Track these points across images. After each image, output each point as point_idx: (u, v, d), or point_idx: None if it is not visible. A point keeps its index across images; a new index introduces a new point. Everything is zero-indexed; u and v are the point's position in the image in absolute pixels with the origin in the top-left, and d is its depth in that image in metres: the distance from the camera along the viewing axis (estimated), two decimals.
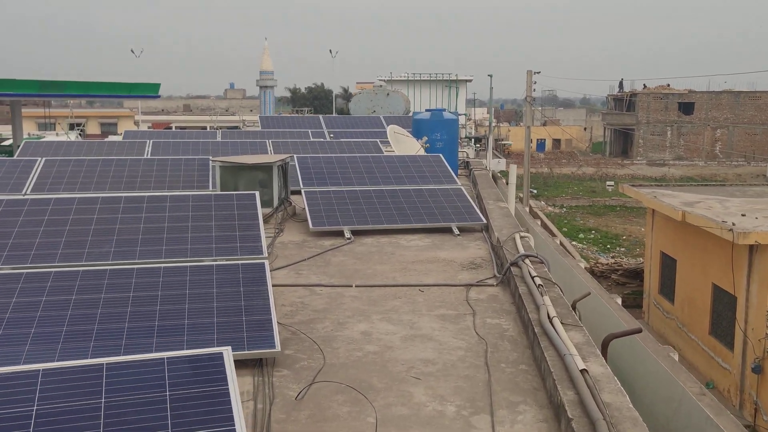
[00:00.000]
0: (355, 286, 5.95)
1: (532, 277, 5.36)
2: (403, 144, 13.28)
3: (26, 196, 8.18)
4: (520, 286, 5.34)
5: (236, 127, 36.43)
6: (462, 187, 9.25)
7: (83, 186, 8.47)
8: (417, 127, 14.06)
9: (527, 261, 5.91)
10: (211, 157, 9.21)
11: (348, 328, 4.91)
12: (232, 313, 4.31)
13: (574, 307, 7.28)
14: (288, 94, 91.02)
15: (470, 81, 32.04)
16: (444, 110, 14.48)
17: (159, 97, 43.14)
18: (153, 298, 4.39)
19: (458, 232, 8.16)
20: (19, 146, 12.93)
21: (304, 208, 8.47)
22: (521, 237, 7.07)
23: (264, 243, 5.06)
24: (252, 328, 4.20)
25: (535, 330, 4.38)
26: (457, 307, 5.40)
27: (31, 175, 8.58)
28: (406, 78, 31.17)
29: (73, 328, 4.07)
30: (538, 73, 26.57)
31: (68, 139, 32.51)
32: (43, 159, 9.03)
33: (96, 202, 5.39)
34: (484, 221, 8.36)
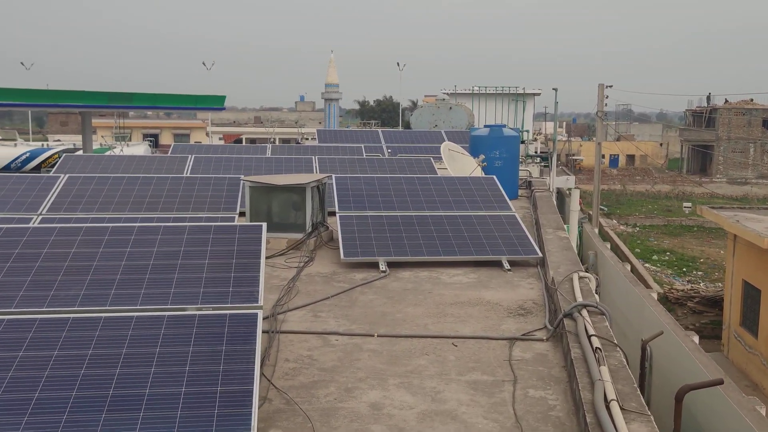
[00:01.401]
0: (377, 336, 5.06)
1: (589, 337, 4.36)
2: (458, 162, 12.34)
3: (42, 215, 7.64)
4: (574, 348, 4.34)
5: (295, 140, 36.14)
6: (516, 215, 8.24)
7: (102, 206, 7.86)
8: (474, 144, 13.10)
9: (584, 312, 4.90)
10: (242, 176, 8.50)
11: (356, 397, 4.02)
12: (206, 381, 3.48)
13: (644, 348, 6.19)
14: (356, 107, 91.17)
15: (538, 95, 30.75)
16: (504, 126, 13.47)
17: (224, 109, 43.41)
18: (114, 358, 3.61)
19: (509, 267, 7.17)
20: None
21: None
22: (580, 278, 6.04)
23: (261, 287, 4.23)
24: (226, 403, 3.36)
25: (587, 417, 3.40)
26: (495, 371, 4.43)
27: (50, 194, 8.03)
28: (470, 91, 30.14)
29: (8, 396, 3.32)
30: (610, 86, 25.13)
31: (117, 152, 32.73)
32: (66, 176, 8.50)
33: (78, 232, 4.68)
34: (540, 255, 7.34)
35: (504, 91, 29.34)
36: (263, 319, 5.06)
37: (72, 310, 3.99)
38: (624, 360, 4.21)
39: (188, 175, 11.22)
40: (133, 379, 3.49)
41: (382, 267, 7.02)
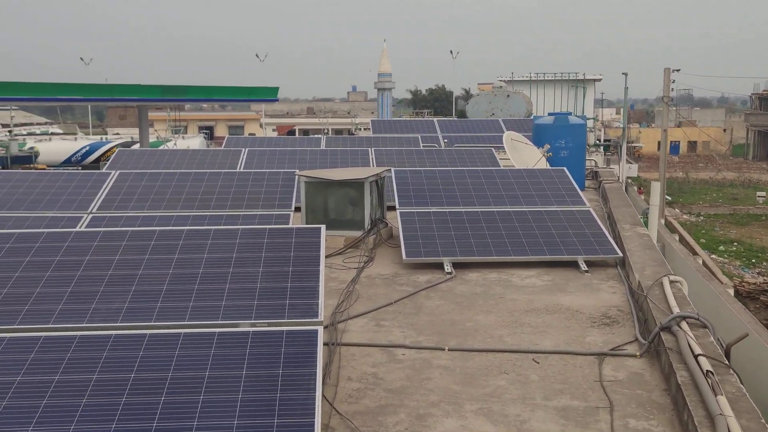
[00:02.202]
0: (448, 350, 4.56)
1: (696, 357, 3.77)
2: (522, 153, 11.72)
3: (92, 214, 7.37)
4: (680, 371, 3.76)
5: (347, 131, 35.79)
6: (590, 209, 7.62)
7: (153, 204, 7.55)
8: (538, 134, 12.45)
9: (684, 325, 4.31)
10: (297, 171, 8.08)
11: (430, 426, 3.53)
12: (261, 412, 3.04)
13: (728, 353, 5.54)
14: (409, 96, 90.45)
15: (599, 80, 29.65)
16: (570, 114, 12.77)
17: (277, 100, 43.35)
18: (159, 383, 3.20)
19: (586, 268, 6.58)
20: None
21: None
22: (671, 282, 5.43)
23: (321, 299, 3.78)
24: None
25: None
26: (587, 395, 3.89)
27: (101, 192, 7.76)
28: (528, 78, 29.25)
29: (39, 429, 2.94)
30: (677, 71, 23.97)
31: (172, 145, 32.83)
32: (117, 173, 8.22)
33: (123, 237, 4.30)
34: (620, 254, 6.72)
35: (563, 78, 28.37)
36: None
37: (114, 326, 3.61)
38: (740, 384, 3.62)
39: (242, 169, 10.90)
40: (181, 409, 3.07)
41: (448, 268, 6.52)
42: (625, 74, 23.41)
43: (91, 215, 7.33)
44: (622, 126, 22.42)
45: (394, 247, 7.51)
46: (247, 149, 11.80)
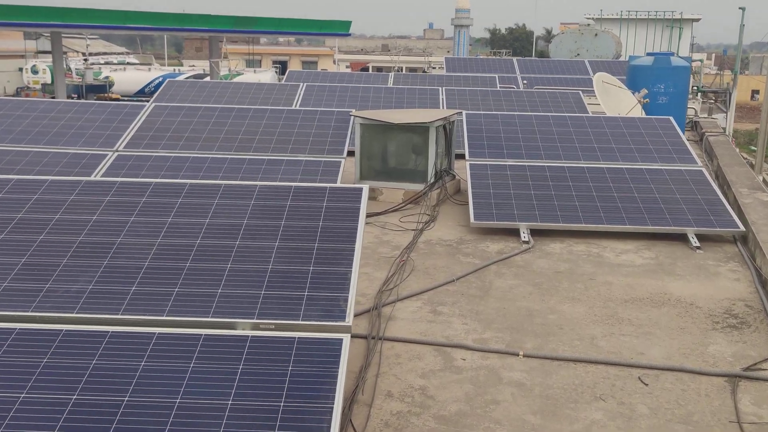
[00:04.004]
0: (523, 356, 3.46)
1: None
2: (614, 98, 10.27)
3: (118, 152, 6.49)
4: None
5: (422, 70, 34.30)
6: (703, 170, 6.28)
7: (187, 144, 6.60)
8: (633, 76, 10.93)
9: None
10: (353, 112, 6.98)
11: None
12: None
13: None
14: (487, 35, 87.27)
15: (698, 20, 27.09)
16: (672, 54, 11.17)
17: (350, 35, 41.93)
18: (112, 408, 2.24)
19: (698, 243, 5.32)
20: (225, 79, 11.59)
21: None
22: None
23: (353, 293, 2.73)
24: None
25: None
26: None
27: (132, 126, 6.86)
28: (618, 17, 26.95)
29: None
30: None
31: (241, 78, 32.11)
32: (152, 105, 7.30)
33: (108, 190, 3.33)
34: (742, 228, 5.42)
35: (657, 17, 26.01)
36: (359, 314, 3.60)
37: (67, 317, 2.65)
38: None
39: (296, 107, 9.87)
40: None
41: (524, 236, 5.37)
42: (743, 9, 20.91)
43: (117, 153, 6.46)
44: (735, 72, 20.23)
45: (461, 204, 6.39)
46: (305, 84, 10.72)
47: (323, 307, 2.69)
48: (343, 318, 2.63)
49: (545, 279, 4.60)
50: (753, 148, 36.97)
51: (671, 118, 7.08)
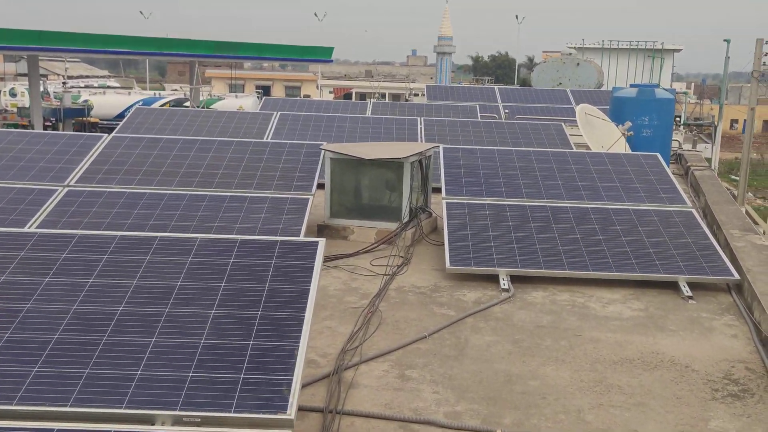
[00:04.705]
0: None
1: None
2: (598, 130, 9.98)
3: (69, 187, 6.03)
4: None
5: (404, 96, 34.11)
6: (694, 211, 5.94)
7: (144, 179, 6.16)
8: (617, 108, 10.65)
9: None
10: (324, 145, 6.58)
11: None
12: None
13: None
14: (470, 62, 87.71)
15: (679, 51, 27.14)
16: (657, 86, 10.92)
17: (332, 61, 41.70)
18: None
19: (689, 293, 4.94)
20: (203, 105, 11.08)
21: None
22: None
23: (298, 375, 2.29)
24: None
25: None
26: None
27: (86, 159, 6.41)
28: (600, 46, 26.94)
29: None
30: None
31: (222, 104, 31.74)
32: (110, 137, 6.86)
33: (25, 243, 2.89)
34: (736, 277, 5.05)
35: (639, 47, 26.01)
36: (317, 380, 3.16)
37: None
38: None
39: (267, 138, 9.48)
40: None
41: (504, 283, 4.96)
42: (728, 41, 20.88)
43: (67, 188, 6.00)
44: (719, 104, 20.10)
45: (437, 244, 5.98)
46: (279, 113, 10.33)
47: (261, 393, 2.25)
48: (284, 409, 2.20)
49: (526, 335, 4.19)
50: (733, 177, 37.16)
51: (658, 155, 6.75)
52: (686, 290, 4.95)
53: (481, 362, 3.79)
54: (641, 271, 5.08)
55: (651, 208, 5.90)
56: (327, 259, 5.56)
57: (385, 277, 5.16)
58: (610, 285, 5.10)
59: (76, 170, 6.25)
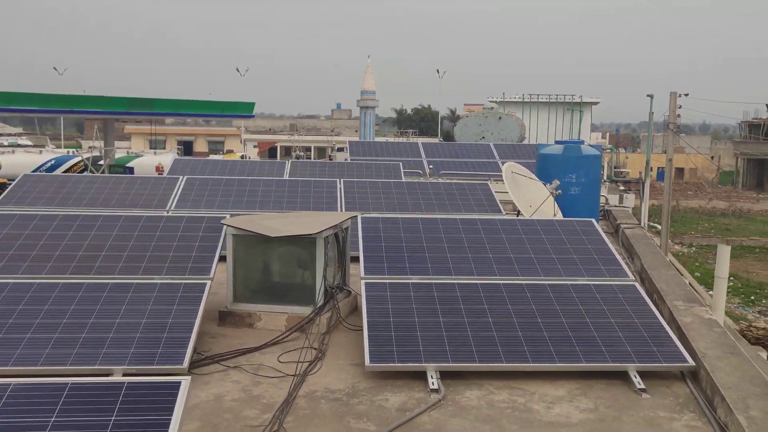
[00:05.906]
0: None
1: None
2: (525, 189, 9.52)
3: None
4: None
5: (326, 150, 33.66)
6: (637, 285, 5.40)
7: (10, 265, 5.21)
8: (544, 165, 10.26)
9: None
10: (225, 219, 5.80)
11: None
12: None
13: None
14: (393, 115, 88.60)
15: (597, 104, 27.65)
16: (582, 142, 10.63)
17: (253, 116, 41.01)
18: None
19: (641, 384, 4.34)
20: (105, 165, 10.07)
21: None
22: None
23: None
24: None
25: None
26: None
27: None
28: (521, 100, 27.20)
29: None
30: (685, 95, 21.93)
31: (140, 161, 30.57)
32: None
33: None
34: (691, 363, 4.49)
35: (558, 100, 26.35)
36: None
37: None
38: None
39: (174, 204, 8.63)
40: None
41: (433, 383, 4.25)
42: (651, 96, 21.27)
43: None
44: (646, 159, 20.30)
45: (356, 330, 5.24)
46: (186, 177, 9.49)
47: None
48: None
49: None
50: (652, 224, 37.90)
51: (593, 221, 6.25)
52: (638, 381, 4.35)
53: None
54: (587, 361, 4.46)
55: (591, 282, 5.34)
56: (226, 356, 4.74)
57: (294, 378, 4.37)
58: (553, 378, 4.45)
59: None
